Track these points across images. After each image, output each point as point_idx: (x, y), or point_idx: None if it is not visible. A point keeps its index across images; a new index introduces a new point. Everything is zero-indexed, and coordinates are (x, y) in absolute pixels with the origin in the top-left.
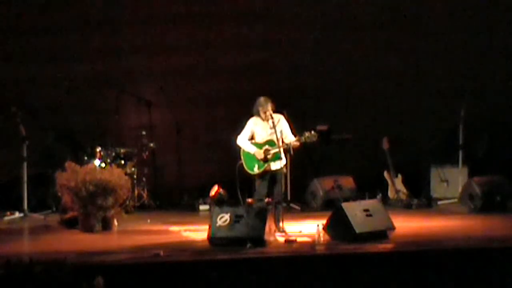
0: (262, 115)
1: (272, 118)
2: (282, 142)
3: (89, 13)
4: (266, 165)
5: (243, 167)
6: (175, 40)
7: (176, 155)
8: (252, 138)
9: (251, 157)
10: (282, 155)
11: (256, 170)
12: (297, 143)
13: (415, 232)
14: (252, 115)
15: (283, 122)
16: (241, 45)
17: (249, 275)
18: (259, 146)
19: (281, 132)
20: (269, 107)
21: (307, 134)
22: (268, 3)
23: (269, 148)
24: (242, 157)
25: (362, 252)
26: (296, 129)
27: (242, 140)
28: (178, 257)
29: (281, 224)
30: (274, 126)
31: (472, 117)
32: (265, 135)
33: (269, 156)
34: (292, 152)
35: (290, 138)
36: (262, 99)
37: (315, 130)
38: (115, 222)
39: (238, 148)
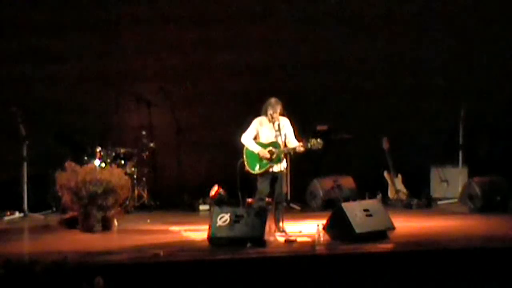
0: (270, 116)
1: (278, 120)
2: (285, 145)
3: (89, 13)
4: (268, 165)
5: (243, 165)
6: (175, 40)
7: (176, 155)
8: (255, 138)
9: (254, 156)
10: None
11: (257, 169)
12: (302, 149)
13: (415, 232)
14: (259, 115)
15: (287, 126)
16: (241, 45)
17: (249, 275)
18: (264, 146)
19: (285, 135)
20: (279, 109)
21: (313, 141)
22: (268, 3)
23: (273, 150)
24: (244, 156)
25: (362, 252)
26: (297, 129)
27: (247, 139)
28: (178, 257)
29: (281, 224)
30: (279, 129)
31: (472, 117)
32: (270, 136)
33: (273, 156)
34: (292, 153)
35: (293, 143)
36: (273, 100)
37: (319, 137)
38: (115, 222)
39: (241, 146)
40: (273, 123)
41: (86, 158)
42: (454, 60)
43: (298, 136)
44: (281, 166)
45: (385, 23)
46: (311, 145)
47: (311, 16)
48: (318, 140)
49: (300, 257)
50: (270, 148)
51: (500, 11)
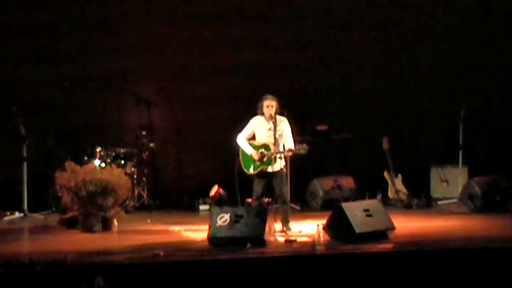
0: (265, 109)
1: (274, 119)
2: (277, 147)
3: (89, 13)
4: (261, 167)
5: (240, 165)
6: (175, 40)
7: (176, 155)
8: (253, 137)
9: (248, 157)
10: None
11: (251, 170)
12: (290, 153)
13: (415, 232)
14: (256, 114)
15: (285, 125)
16: (241, 45)
17: (249, 275)
18: (256, 148)
19: (281, 135)
20: (274, 103)
21: (297, 146)
22: (268, 3)
23: (264, 152)
24: (240, 156)
25: (362, 252)
26: (296, 129)
27: (241, 139)
28: (178, 257)
29: (288, 224)
30: (274, 128)
31: (472, 117)
32: (264, 136)
33: (264, 159)
34: (285, 158)
35: (290, 143)
36: (269, 95)
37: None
38: (115, 222)
39: (237, 146)
40: (269, 122)
41: (86, 158)
42: (454, 60)
43: (297, 136)
44: (280, 165)
45: (385, 23)
46: (295, 150)
47: (311, 16)
48: (303, 145)
49: (300, 257)
50: (262, 150)
51: (500, 10)
